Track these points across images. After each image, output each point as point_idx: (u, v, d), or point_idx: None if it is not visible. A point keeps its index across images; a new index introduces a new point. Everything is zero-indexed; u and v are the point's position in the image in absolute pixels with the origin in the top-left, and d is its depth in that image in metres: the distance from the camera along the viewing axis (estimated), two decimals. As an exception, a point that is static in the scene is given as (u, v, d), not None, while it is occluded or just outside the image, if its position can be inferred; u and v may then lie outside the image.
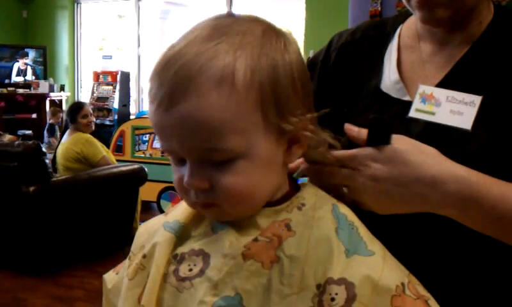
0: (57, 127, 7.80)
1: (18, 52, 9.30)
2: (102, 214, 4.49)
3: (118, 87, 8.49)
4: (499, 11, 0.90)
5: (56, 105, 8.82)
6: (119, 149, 5.87)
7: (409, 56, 0.94)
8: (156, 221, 0.78)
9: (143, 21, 9.27)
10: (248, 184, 0.67)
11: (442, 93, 0.84)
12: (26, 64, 9.32)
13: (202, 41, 0.64)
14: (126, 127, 5.93)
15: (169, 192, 5.45)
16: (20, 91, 8.91)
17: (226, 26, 0.66)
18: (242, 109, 0.64)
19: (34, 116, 8.84)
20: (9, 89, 8.89)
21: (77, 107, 4.83)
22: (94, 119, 5.00)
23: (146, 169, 4.74)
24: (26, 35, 9.74)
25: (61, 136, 4.98)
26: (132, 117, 8.03)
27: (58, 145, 4.92)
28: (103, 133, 6.75)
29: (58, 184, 4.23)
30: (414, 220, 0.81)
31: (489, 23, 0.89)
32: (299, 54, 0.71)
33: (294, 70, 0.68)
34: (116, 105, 8.42)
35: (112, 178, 4.56)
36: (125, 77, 8.52)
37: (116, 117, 8.29)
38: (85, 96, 9.33)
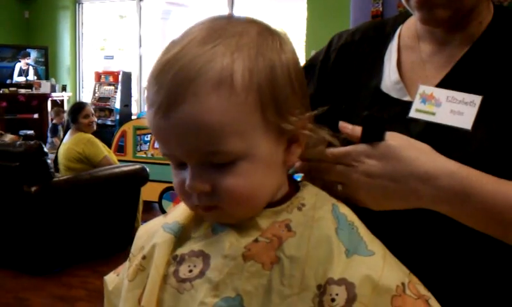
0: (60, 127, 7.81)
1: (20, 52, 9.31)
2: (104, 214, 4.49)
3: (119, 87, 8.49)
4: (499, 11, 0.90)
5: (58, 105, 8.83)
6: (121, 149, 5.87)
7: (409, 56, 0.94)
8: (155, 222, 0.78)
9: (144, 21, 9.27)
10: (249, 185, 0.67)
11: (442, 93, 0.84)
12: (28, 64, 9.33)
13: (198, 44, 0.64)
14: (128, 127, 5.94)
15: (170, 192, 5.46)
16: (22, 91, 8.91)
17: (222, 28, 0.66)
18: (241, 110, 0.64)
19: (36, 116, 8.85)
20: (11, 89, 8.90)
21: (78, 107, 4.84)
22: (95, 120, 5.00)
23: (147, 169, 4.75)
24: (28, 35, 9.75)
25: (63, 136, 4.99)
26: (133, 117, 8.03)
27: (60, 145, 4.92)
28: (105, 134, 6.75)
29: (60, 184, 4.23)
30: (414, 218, 0.81)
31: (489, 24, 0.89)
32: (295, 53, 0.71)
33: (290, 69, 0.68)
34: (117, 105, 8.43)
35: (114, 178, 4.56)
36: (127, 77, 8.52)
37: (117, 117, 8.29)
38: (87, 97, 9.34)
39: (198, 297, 0.66)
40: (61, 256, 4.24)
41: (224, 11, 7.91)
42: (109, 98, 8.70)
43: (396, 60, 0.94)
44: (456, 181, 0.74)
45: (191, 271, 0.69)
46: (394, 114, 0.88)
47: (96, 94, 8.81)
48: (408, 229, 0.84)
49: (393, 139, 0.77)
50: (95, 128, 4.89)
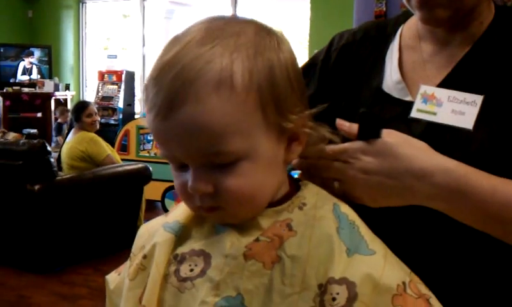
0: (65, 126, 7.82)
1: (23, 51, 9.32)
2: (107, 213, 4.50)
3: (122, 86, 8.49)
4: (500, 11, 0.90)
5: (61, 104, 8.85)
6: (124, 148, 5.87)
7: (410, 56, 0.94)
8: (156, 222, 0.78)
9: (147, 21, 9.28)
10: (252, 185, 0.67)
11: (443, 93, 0.84)
12: (31, 63, 9.35)
13: (197, 45, 0.64)
14: (131, 126, 5.94)
15: (173, 192, 5.45)
16: (26, 90, 8.93)
17: (219, 29, 0.66)
18: (242, 110, 0.64)
19: (39, 115, 8.86)
20: (15, 88, 8.91)
21: (81, 106, 4.84)
22: (99, 119, 5.01)
23: (150, 168, 4.75)
24: (31, 34, 9.77)
25: (66, 135, 5.00)
26: (136, 116, 8.04)
27: (63, 144, 4.93)
28: (108, 133, 6.76)
29: (63, 183, 4.24)
30: (414, 216, 0.81)
31: (490, 23, 0.89)
32: (292, 52, 0.71)
33: (289, 68, 0.69)
34: (120, 104, 8.43)
35: (116, 177, 4.57)
36: (130, 76, 8.52)
37: (120, 116, 8.29)
38: (90, 96, 9.35)
39: (199, 296, 0.67)
40: (64, 254, 4.25)
41: (228, 11, 7.92)
42: (112, 97, 8.70)
43: (397, 60, 0.94)
44: (451, 179, 0.74)
45: (192, 270, 0.69)
46: (395, 114, 0.89)
47: (100, 94, 8.82)
48: (408, 228, 0.84)
49: (390, 136, 0.77)
50: (98, 127, 4.90)
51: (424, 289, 0.68)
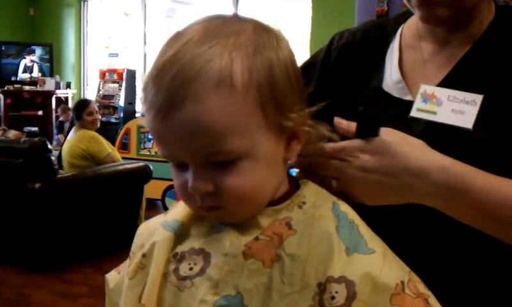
0: (66, 125, 7.82)
1: (24, 49, 9.32)
2: (107, 211, 4.50)
3: (123, 85, 8.49)
4: (500, 11, 0.90)
5: (62, 102, 8.85)
6: (124, 146, 5.88)
7: (410, 56, 0.94)
8: (156, 221, 0.78)
9: (149, 19, 9.28)
10: (252, 184, 0.67)
11: (443, 93, 0.84)
12: (33, 61, 9.35)
13: (195, 44, 0.63)
14: (131, 125, 5.95)
15: (174, 190, 5.43)
16: (27, 88, 8.92)
17: (217, 28, 0.66)
18: (242, 109, 0.64)
19: (40, 113, 8.85)
20: (16, 86, 8.91)
21: (82, 105, 4.85)
22: (99, 117, 5.01)
23: (151, 167, 4.75)
24: (33, 33, 9.77)
25: (67, 133, 5.00)
26: (137, 115, 8.04)
27: (64, 142, 4.94)
28: (108, 131, 6.76)
29: (63, 181, 4.25)
30: (414, 215, 0.81)
31: (490, 23, 0.89)
32: (291, 50, 0.71)
33: (288, 66, 0.69)
34: (121, 103, 8.43)
35: (117, 175, 4.57)
36: (131, 75, 8.52)
37: (121, 115, 8.29)
38: (91, 94, 9.35)
39: (198, 294, 0.66)
40: (64, 252, 4.25)
41: (229, 10, 7.92)
42: (113, 95, 8.70)
43: (398, 59, 0.94)
44: (448, 177, 0.74)
45: (191, 269, 0.69)
46: (395, 114, 0.89)
47: (101, 92, 8.81)
48: (407, 226, 0.85)
49: (388, 135, 0.77)
50: (98, 125, 4.90)
51: (422, 288, 0.68)
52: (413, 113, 0.86)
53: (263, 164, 0.67)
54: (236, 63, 0.63)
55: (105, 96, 8.74)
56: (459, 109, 0.82)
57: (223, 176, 0.65)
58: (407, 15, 0.98)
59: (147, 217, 4.09)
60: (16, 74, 9.23)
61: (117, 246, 4.27)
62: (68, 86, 9.35)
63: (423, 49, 0.93)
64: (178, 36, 0.66)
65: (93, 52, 9.90)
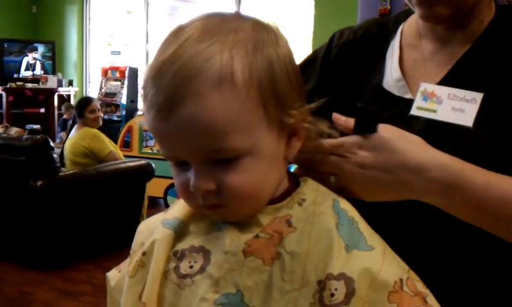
0: (70, 122, 7.84)
1: (27, 46, 9.33)
2: (109, 209, 4.51)
3: (126, 83, 8.50)
4: (501, 10, 0.90)
5: (64, 100, 8.87)
6: (126, 144, 5.88)
7: (411, 54, 0.94)
8: (156, 219, 0.78)
9: (151, 17, 9.28)
10: (254, 181, 0.67)
11: (443, 91, 0.84)
12: (35, 58, 9.36)
13: (195, 42, 0.63)
14: (134, 123, 5.95)
15: (175, 188, 5.46)
16: (29, 85, 8.94)
17: (216, 25, 0.65)
18: (244, 107, 0.63)
19: (42, 110, 8.87)
20: (18, 83, 8.93)
21: (85, 102, 4.85)
22: (102, 115, 5.02)
23: (153, 165, 4.75)
24: (35, 30, 9.79)
25: (69, 131, 5.01)
26: (139, 113, 8.05)
27: (66, 140, 4.94)
28: (111, 129, 6.77)
29: (65, 179, 4.25)
30: (412, 212, 0.81)
31: (491, 22, 0.89)
32: (289, 47, 0.71)
33: (287, 63, 0.69)
34: (124, 100, 8.44)
35: (119, 173, 4.57)
36: (133, 73, 8.53)
37: (123, 113, 8.30)
38: (93, 92, 9.36)
39: (198, 292, 0.66)
40: (66, 250, 4.26)
41: (231, 8, 7.91)
42: (116, 93, 8.71)
43: (398, 58, 0.95)
44: (447, 174, 0.74)
45: (191, 267, 0.69)
46: (396, 112, 0.89)
47: (103, 90, 8.83)
48: (406, 224, 0.85)
49: (386, 131, 0.77)
50: (101, 123, 4.91)
51: (421, 287, 0.68)
52: (413, 111, 0.86)
53: (265, 161, 0.67)
54: (237, 61, 0.63)
55: (107, 94, 8.75)
56: (459, 107, 0.82)
57: (225, 174, 0.65)
58: (407, 13, 0.98)
59: (149, 215, 4.10)
60: (18, 71, 9.24)
61: (119, 244, 4.27)
62: (70, 83, 9.36)
63: (423, 47, 0.93)
64: (176, 34, 0.66)
65: (96, 49, 9.91)
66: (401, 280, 0.66)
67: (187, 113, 0.62)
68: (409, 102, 0.87)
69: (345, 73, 0.99)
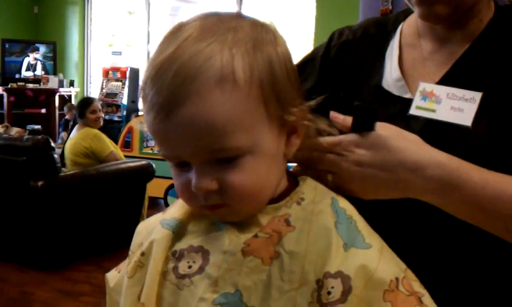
0: (71, 123, 7.86)
1: (28, 47, 9.34)
2: (110, 209, 4.51)
3: (127, 83, 8.52)
4: (500, 9, 0.90)
5: (66, 100, 8.88)
6: (127, 145, 5.88)
7: (410, 54, 0.95)
8: (154, 219, 0.78)
9: (153, 18, 9.29)
10: (256, 179, 0.66)
11: (442, 90, 0.84)
12: (36, 59, 9.37)
13: (194, 42, 0.63)
14: (134, 123, 5.95)
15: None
16: (30, 85, 8.95)
17: (214, 25, 0.65)
18: (245, 106, 0.63)
19: (43, 110, 8.88)
20: (19, 83, 8.93)
21: (86, 103, 4.86)
22: (103, 115, 5.02)
23: (153, 165, 4.75)
24: (37, 30, 9.80)
25: (70, 131, 5.01)
26: (140, 113, 8.05)
27: (67, 140, 4.94)
28: (111, 129, 6.77)
29: (66, 179, 4.25)
30: (410, 211, 0.81)
31: (490, 21, 0.89)
32: (286, 45, 0.71)
33: (286, 61, 0.69)
34: (124, 101, 8.45)
35: (120, 173, 4.57)
36: (134, 73, 8.53)
37: (124, 113, 8.31)
38: (94, 92, 9.37)
39: (197, 292, 0.66)
40: (66, 250, 4.26)
41: (233, 8, 7.92)
42: (117, 94, 8.72)
43: (397, 57, 0.95)
44: (444, 172, 0.74)
45: (190, 267, 0.68)
46: (395, 111, 0.89)
47: (104, 90, 8.84)
48: (405, 223, 0.85)
49: (384, 129, 0.77)
50: (101, 123, 4.91)
51: (417, 287, 0.67)
52: (413, 111, 0.86)
53: (266, 160, 0.67)
54: (237, 60, 0.63)
55: (108, 95, 8.76)
56: (458, 107, 0.82)
57: (227, 173, 0.65)
58: (407, 12, 0.98)
59: (149, 216, 4.10)
60: (19, 72, 9.25)
61: (119, 244, 4.26)
62: (71, 84, 9.38)
63: (422, 47, 0.93)
64: (174, 34, 0.65)
65: (97, 50, 9.92)
66: (397, 279, 0.65)
67: (189, 113, 0.61)
68: (409, 102, 0.87)
69: (345, 72, 0.99)
